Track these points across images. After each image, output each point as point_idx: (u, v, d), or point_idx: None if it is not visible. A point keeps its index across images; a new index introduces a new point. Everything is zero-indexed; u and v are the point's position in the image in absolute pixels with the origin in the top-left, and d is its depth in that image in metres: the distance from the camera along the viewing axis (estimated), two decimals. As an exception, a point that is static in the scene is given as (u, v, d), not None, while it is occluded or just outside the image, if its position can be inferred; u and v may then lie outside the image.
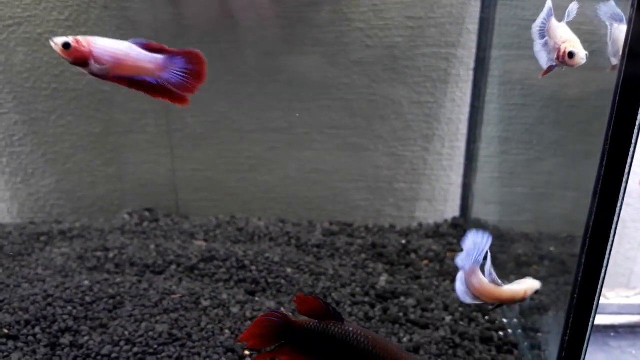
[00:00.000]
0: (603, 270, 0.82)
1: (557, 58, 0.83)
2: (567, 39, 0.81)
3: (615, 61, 0.79)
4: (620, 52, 0.71)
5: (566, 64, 0.81)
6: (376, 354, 0.82)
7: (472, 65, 1.45)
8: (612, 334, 1.27)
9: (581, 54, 0.79)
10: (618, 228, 1.79)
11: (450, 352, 1.01)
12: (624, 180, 0.75)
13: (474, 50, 1.44)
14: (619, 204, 0.77)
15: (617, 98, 0.71)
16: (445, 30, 1.44)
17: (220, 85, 1.48)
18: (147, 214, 1.51)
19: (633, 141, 0.73)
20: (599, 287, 0.84)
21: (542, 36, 0.86)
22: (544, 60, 0.86)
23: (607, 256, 0.81)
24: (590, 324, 0.86)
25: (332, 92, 1.49)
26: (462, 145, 1.53)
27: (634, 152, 0.74)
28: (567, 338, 0.84)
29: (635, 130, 0.72)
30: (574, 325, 0.85)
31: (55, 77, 1.46)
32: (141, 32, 1.42)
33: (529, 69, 1.32)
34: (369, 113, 1.51)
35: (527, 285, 0.89)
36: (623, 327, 1.31)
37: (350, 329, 0.84)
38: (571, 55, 0.79)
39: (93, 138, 1.53)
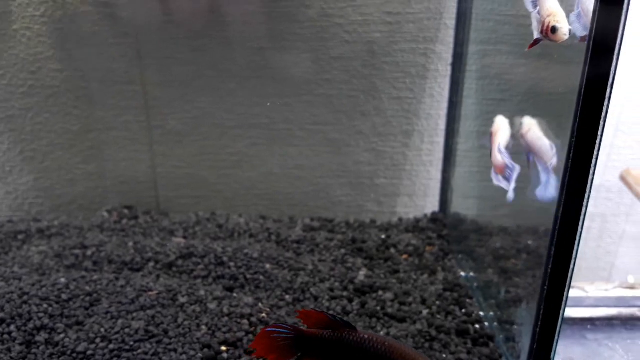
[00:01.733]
0: (572, 262, 0.83)
1: (542, 32, 0.79)
2: (552, 12, 0.77)
3: (584, 32, 0.75)
4: (589, 24, 0.69)
5: (549, 38, 0.78)
6: (393, 359, 0.83)
7: (450, 60, 1.46)
8: (589, 326, 1.29)
9: (564, 30, 0.75)
10: (599, 222, 1.81)
11: (427, 345, 1.02)
12: (591, 171, 0.76)
13: (451, 46, 1.45)
14: (586, 196, 0.78)
15: (583, 90, 0.72)
16: (423, 25, 1.44)
17: (201, 81, 1.48)
18: (126, 211, 1.50)
19: (599, 133, 0.74)
20: (568, 278, 0.85)
21: (535, 5, 0.82)
22: (536, 32, 0.82)
23: (575, 247, 0.81)
24: (561, 315, 0.87)
25: (313, 87, 1.49)
26: (441, 140, 1.54)
27: (599, 144, 0.75)
28: (538, 329, 0.85)
29: (601, 123, 0.73)
30: (544, 317, 0.86)
31: (32, 74, 1.45)
32: (121, 29, 1.41)
33: (506, 63, 1.33)
34: (349, 109, 1.51)
35: None
36: (600, 319, 1.32)
37: (365, 335, 0.85)
38: (554, 30, 0.76)
39: (72, 135, 1.52)
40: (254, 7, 1.44)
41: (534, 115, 1.30)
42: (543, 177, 0.91)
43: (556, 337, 0.86)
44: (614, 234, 1.69)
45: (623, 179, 1.54)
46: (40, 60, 1.44)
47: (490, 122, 1.43)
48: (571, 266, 0.83)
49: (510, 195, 1.00)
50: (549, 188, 0.89)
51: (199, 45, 1.45)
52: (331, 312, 0.85)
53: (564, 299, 0.85)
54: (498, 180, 1.02)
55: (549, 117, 1.20)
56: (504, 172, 1.00)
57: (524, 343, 0.95)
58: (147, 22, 1.43)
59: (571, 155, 0.75)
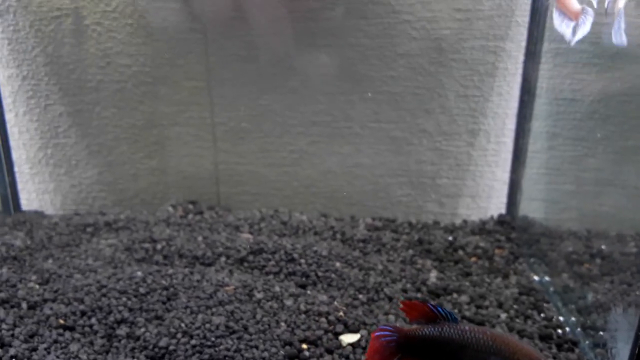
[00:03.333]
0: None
1: None
2: None
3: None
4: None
5: None
6: (498, 350, 0.81)
7: (520, 58, 1.42)
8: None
9: None
10: None
11: (510, 349, 0.99)
12: None
13: (523, 43, 1.42)
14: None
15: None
16: (493, 22, 1.41)
17: (264, 78, 1.48)
18: (190, 206, 1.51)
19: None
20: None
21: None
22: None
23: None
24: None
25: (377, 84, 1.47)
26: (508, 140, 1.51)
27: None
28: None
29: None
30: None
31: (101, 69, 1.47)
32: (189, 25, 1.42)
33: (580, 62, 1.29)
34: (413, 106, 1.49)
35: None
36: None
37: (467, 327, 0.83)
38: None
39: (136, 130, 1.53)
40: (319, 4, 1.43)
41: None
42: (615, 23, 0.90)
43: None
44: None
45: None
46: (109, 55, 1.45)
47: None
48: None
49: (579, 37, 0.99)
50: (619, 32, 0.90)
51: (264, 42, 1.44)
52: (434, 304, 0.83)
53: None
54: (566, 26, 1.00)
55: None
56: (579, 17, 0.98)
57: (620, 347, 0.91)
58: (215, 18, 1.43)
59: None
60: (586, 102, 1.30)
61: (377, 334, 0.82)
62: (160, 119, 1.52)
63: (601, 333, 1.02)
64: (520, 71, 1.43)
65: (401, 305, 0.85)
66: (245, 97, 1.50)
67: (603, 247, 1.21)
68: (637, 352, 0.84)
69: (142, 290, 1.08)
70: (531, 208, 1.45)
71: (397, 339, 0.84)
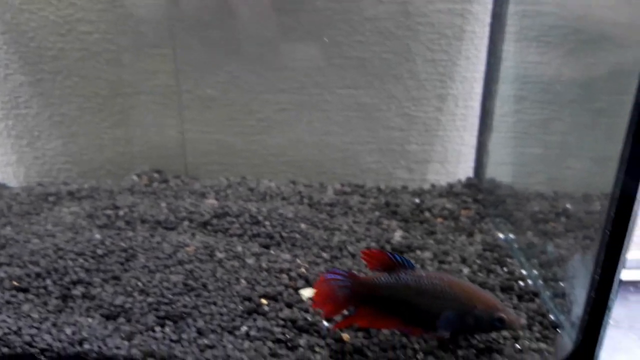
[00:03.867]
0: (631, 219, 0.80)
1: None
2: None
3: None
4: None
5: None
6: (455, 296, 0.81)
7: (487, 20, 1.41)
8: (631, 289, 1.25)
9: None
10: None
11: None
12: None
13: (489, 6, 1.41)
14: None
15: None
16: (459, -16, 1.40)
17: (229, 45, 1.45)
18: (156, 175, 1.48)
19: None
20: (627, 234, 0.83)
21: None
22: None
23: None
24: (618, 270, 0.85)
25: (345, 50, 1.46)
26: (476, 104, 1.50)
27: None
28: (595, 285, 0.83)
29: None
30: (602, 273, 0.83)
31: (61, 37, 1.43)
32: None
33: (547, 24, 1.28)
34: (381, 72, 1.48)
35: None
36: (643, 282, 1.29)
37: (423, 274, 0.84)
38: None
39: (100, 99, 1.50)
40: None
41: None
42: None
43: (614, 287, 0.83)
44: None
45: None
46: (70, 22, 1.42)
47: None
48: (630, 224, 0.80)
49: None
50: None
51: (229, 8, 1.42)
52: (392, 252, 0.83)
53: (622, 254, 0.82)
54: None
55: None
56: None
57: (577, 295, 0.92)
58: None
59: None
60: (553, 65, 1.30)
61: (327, 276, 0.81)
62: (125, 88, 1.49)
63: (561, 284, 1.02)
64: (487, 34, 1.43)
65: (362, 255, 0.85)
66: (211, 63, 1.47)
67: (569, 206, 1.21)
68: (593, 295, 0.85)
69: (99, 252, 1.06)
70: (499, 171, 1.45)
71: (352, 286, 0.84)
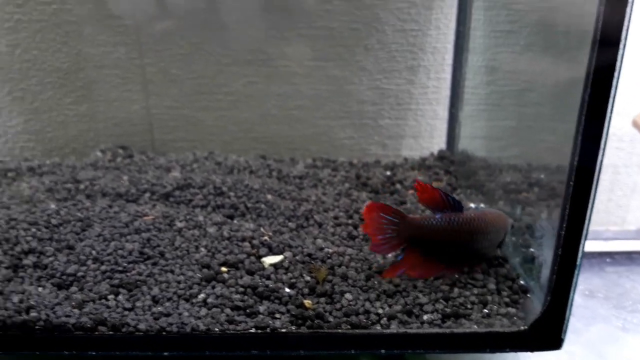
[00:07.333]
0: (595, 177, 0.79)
1: None
2: None
3: None
4: None
5: None
6: (497, 226, 0.93)
7: (456, -13, 1.39)
8: (607, 260, 1.24)
9: None
10: (610, 174, 1.71)
11: (438, 267, 0.97)
12: (609, 106, 0.72)
13: (459, -27, 1.38)
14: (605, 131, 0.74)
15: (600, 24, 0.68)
16: (429, -48, 1.37)
17: (193, 15, 1.41)
18: (120, 151, 1.44)
19: (618, 62, 0.70)
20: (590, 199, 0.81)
21: None
22: None
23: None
24: (585, 228, 0.83)
25: (313, 19, 1.42)
26: (448, 76, 1.48)
27: (619, 74, 0.71)
28: (563, 233, 0.81)
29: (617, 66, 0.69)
30: (567, 236, 0.81)
31: (19, 7, 1.38)
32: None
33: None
34: (351, 43, 1.45)
35: None
36: (619, 253, 1.27)
37: (472, 215, 0.90)
38: None
39: (61, 74, 1.45)
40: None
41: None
42: None
43: (581, 243, 0.81)
44: (625, 186, 1.59)
45: (636, 124, 1.46)
46: (26, -9, 1.36)
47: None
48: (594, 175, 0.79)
49: None
50: None
51: (193, -24, 1.38)
52: (444, 191, 0.88)
53: (587, 209, 0.81)
54: None
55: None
56: None
57: (545, 257, 0.90)
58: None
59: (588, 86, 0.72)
60: (523, 34, 1.27)
61: (376, 205, 0.84)
62: (87, 62, 1.44)
63: (531, 250, 1.00)
64: (456, 2, 1.40)
65: (415, 185, 0.89)
66: (174, 34, 1.43)
67: (542, 176, 1.19)
68: (560, 252, 0.83)
69: (54, 222, 1.01)
70: (471, 143, 1.43)
71: (400, 222, 0.87)
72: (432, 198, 0.88)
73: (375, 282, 0.91)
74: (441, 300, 0.89)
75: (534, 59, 1.24)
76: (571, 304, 0.87)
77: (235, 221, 1.08)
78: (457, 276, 0.93)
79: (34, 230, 0.99)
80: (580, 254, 0.83)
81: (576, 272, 0.84)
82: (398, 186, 1.29)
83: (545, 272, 0.90)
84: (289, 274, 0.92)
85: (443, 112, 1.51)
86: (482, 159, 1.37)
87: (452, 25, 1.42)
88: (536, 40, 1.23)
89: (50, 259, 0.93)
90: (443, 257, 0.91)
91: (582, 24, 0.91)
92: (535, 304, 0.92)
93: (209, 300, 0.86)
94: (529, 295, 0.95)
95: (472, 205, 1.24)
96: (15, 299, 0.83)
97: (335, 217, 1.11)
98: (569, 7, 1.04)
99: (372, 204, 0.87)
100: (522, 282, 0.97)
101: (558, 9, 1.12)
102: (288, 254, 0.96)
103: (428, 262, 0.90)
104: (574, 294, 0.87)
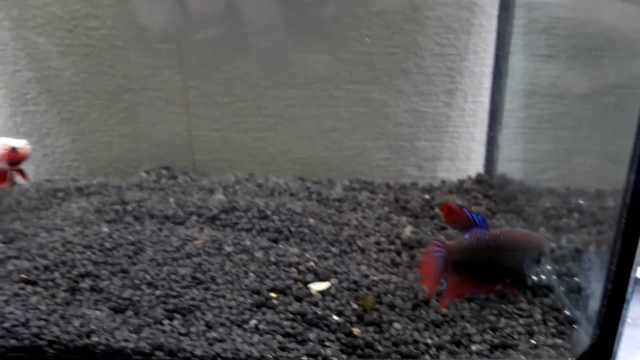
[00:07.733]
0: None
1: None
2: None
3: None
4: None
5: None
6: (527, 244, 0.93)
7: (495, 13, 1.40)
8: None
9: None
10: None
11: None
12: None
13: (497, -2, 1.39)
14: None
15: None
16: (467, -22, 1.39)
17: (235, 39, 1.45)
18: (164, 171, 1.48)
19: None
20: None
21: None
22: None
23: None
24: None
25: (352, 44, 1.45)
26: (485, 100, 1.49)
27: None
28: (613, 269, 0.81)
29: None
30: (620, 258, 0.82)
31: (68, 33, 1.43)
32: None
33: (555, 16, 1.27)
34: (389, 67, 1.47)
35: None
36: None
37: (497, 232, 0.92)
38: None
39: (107, 96, 1.50)
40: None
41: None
42: None
43: (631, 279, 0.81)
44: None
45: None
46: (76, 18, 1.42)
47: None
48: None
49: None
50: None
51: (235, 2, 1.41)
52: (470, 211, 0.91)
53: (637, 256, 0.81)
54: None
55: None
56: None
57: (593, 289, 0.90)
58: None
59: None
60: (562, 58, 1.28)
61: (430, 247, 0.88)
62: (131, 84, 1.49)
63: (576, 279, 1.00)
64: (495, 27, 1.41)
65: (441, 207, 0.91)
66: (216, 59, 1.47)
67: (581, 202, 1.19)
68: (609, 287, 0.83)
69: (107, 245, 1.05)
70: (510, 166, 1.43)
71: (444, 253, 0.89)
72: (458, 218, 0.90)
73: (422, 312, 0.92)
74: (489, 331, 0.89)
75: (572, 82, 1.25)
76: (620, 338, 0.87)
77: (280, 245, 1.10)
78: (491, 296, 0.96)
79: (89, 253, 1.02)
80: (630, 289, 0.83)
81: (626, 306, 0.85)
82: (437, 210, 1.30)
83: (592, 304, 0.90)
84: (336, 301, 0.94)
85: (480, 135, 1.52)
86: (521, 182, 1.38)
87: (491, 49, 1.43)
88: (576, 65, 1.23)
89: (106, 282, 0.96)
90: (476, 276, 0.93)
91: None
92: (582, 336, 0.92)
93: (260, 326, 0.88)
94: (574, 326, 0.95)
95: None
96: (76, 322, 0.86)
97: (377, 243, 1.13)
98: (610, 33, 1.05)
99: (433, 242, 0.90)
100: (567, 312, 0.97)
101: (599, 34, 1.12)
102: (334, 280, 0.98)
103: (463, 282, 0.93)
104: (623, 328, 0.87)
